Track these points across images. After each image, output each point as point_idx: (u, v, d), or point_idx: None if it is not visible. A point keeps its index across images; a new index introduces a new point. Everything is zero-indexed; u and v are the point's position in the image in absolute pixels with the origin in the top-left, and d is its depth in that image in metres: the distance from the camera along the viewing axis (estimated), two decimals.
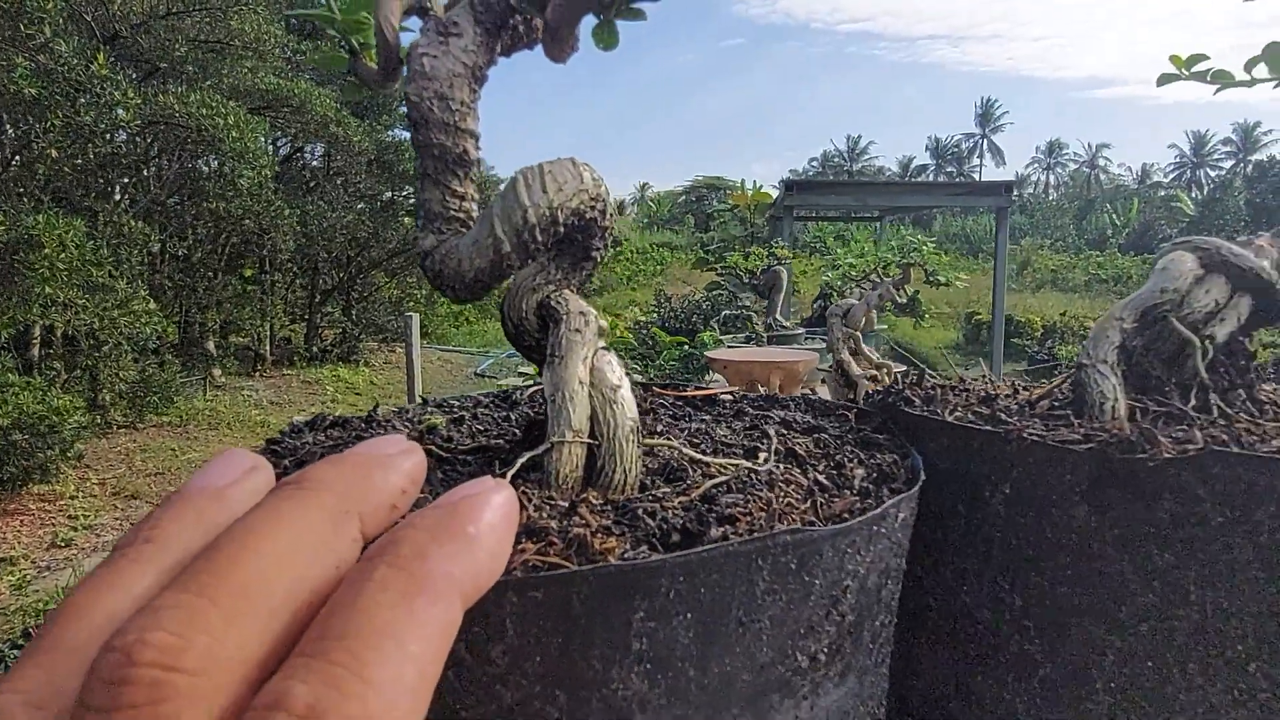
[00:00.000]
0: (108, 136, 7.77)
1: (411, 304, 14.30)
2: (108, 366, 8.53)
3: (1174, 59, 0.64)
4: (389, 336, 14.48)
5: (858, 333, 1.31)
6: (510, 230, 0.38)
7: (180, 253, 10.12)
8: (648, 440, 0.41)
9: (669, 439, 0.43)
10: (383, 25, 0.41)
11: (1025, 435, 0.40)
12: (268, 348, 12.95)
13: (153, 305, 8.37)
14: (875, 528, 0.35)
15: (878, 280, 1.36)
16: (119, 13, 7.61)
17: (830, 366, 1.44)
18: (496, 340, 15.67)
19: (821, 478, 0.41)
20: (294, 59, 9.99)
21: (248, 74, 9.10)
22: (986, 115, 77.78)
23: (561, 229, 0.39)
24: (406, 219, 14.24)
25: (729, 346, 1.90)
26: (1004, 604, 0.42)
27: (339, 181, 12.71)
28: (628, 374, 0.41)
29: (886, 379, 1.25)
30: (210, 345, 11.49)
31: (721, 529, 0.33)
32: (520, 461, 0.37)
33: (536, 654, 0.29)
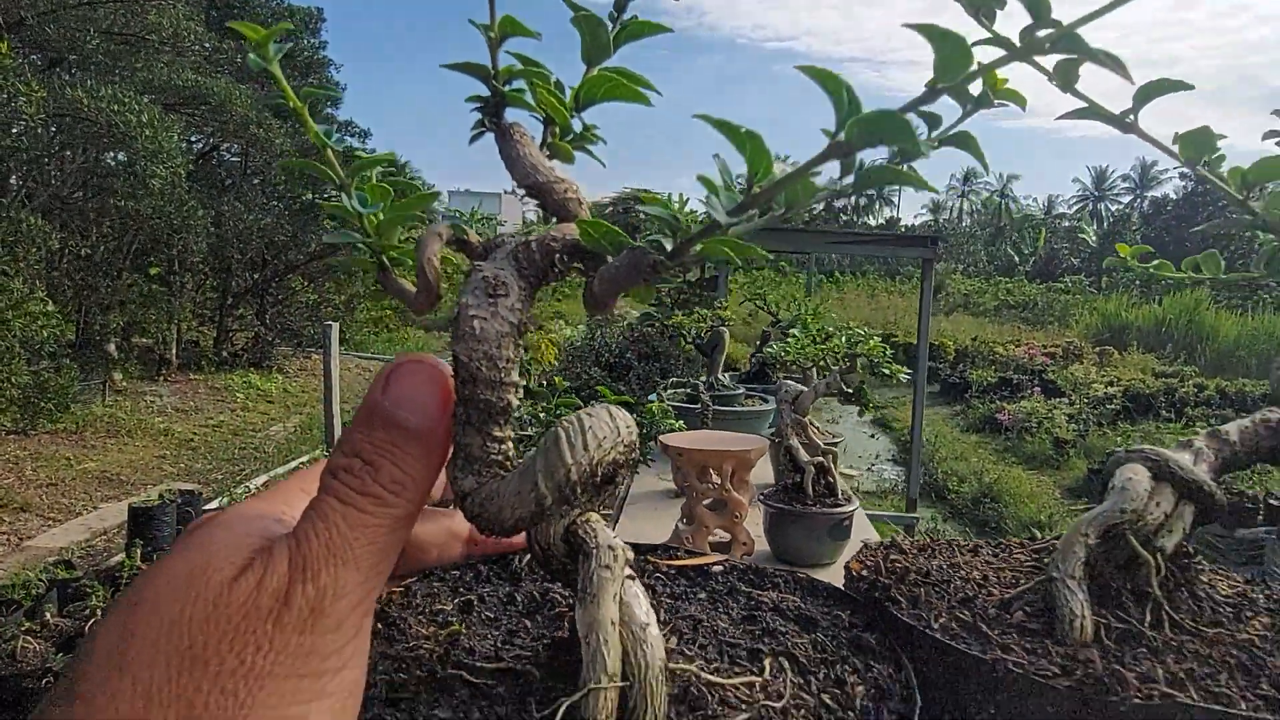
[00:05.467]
0: (5, 127, 7.32)
1: (329, 310, 13.91)
2: None
3: (1120, 248, 0.70)
4: (304, 342, 14.03)
5: (806, 419, 1.37)
6: (553, 486, 0.40)
7: (83, 251, 9.59)
8: (670, 666, 0.44)
9: (686, 657, 0.46)
10: (425, 267, 0.43)
11: (1010, 666, 0.44)
12: (173, 351, 12.37)
13: (51, 306, 7.92)
14: None
15: (828, 369, 1.43)
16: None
17: (776, 443, 1.49)
18: (417, 348, 15.37)
19: (827, 699, 0.44)
20: (213, 56, 9.62)
21: (163, 69, 8.71)
22: None
23: (599, 480, 0.41)
24: (328, 222, 13.80)
25: (674, 407, 1.93)
26: None
27: (256, 182, 12.28)
28: (652, 607, 0.43)
29: (833, 464, 1.31)
30: (111, 348, 10.90)
31: None
32: (561, 711, 0.39)
33: None
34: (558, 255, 0.42)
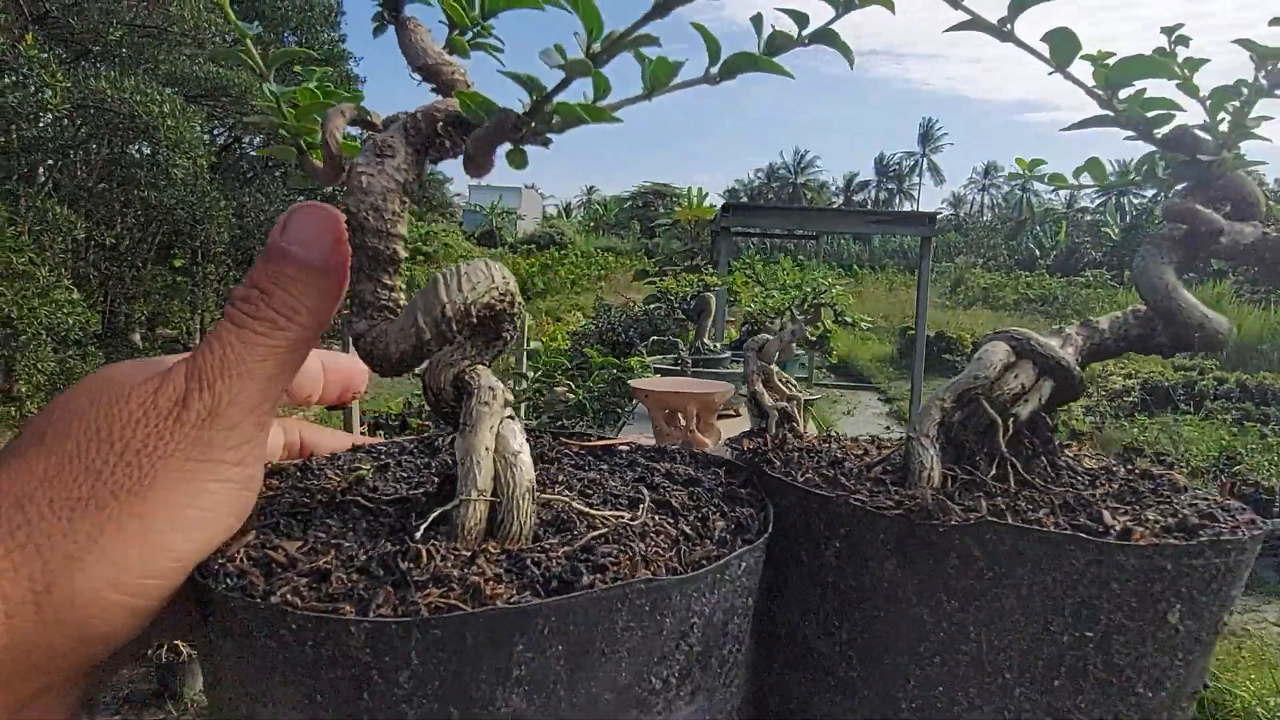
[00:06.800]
0: (33, 118, 7.50)
1: (348, 303, 14.06)
2: (25, 357, 8.19)
3: (1019, 161, 0.75)
4: (324, 334, 14.20)
5: (771, 366, 1.41)
6: (430, 322, 0.45)
7: (108, 241, 9.78)
8: (544, 495, 0.49)
9: (563, 493, 0.51)
10: (328, 139, 0.48)
11: (851, 500, 0.49)
12: (197, 341, 12.58)
13: (76, 295, 8.10)
14: (720, 575, 0.44)
15: (793, 317, 1.46)
16: None
17: (747, 395, 1.54)
18: None
19: (688, 529, 0.50)
20: (234, 48, 9.76)
21: (185, 61, 8.87)
22: (927, 135, 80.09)
23: (474, 320, 0.47)
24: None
25: (657, 370, 1.98)
26: (834, 637, 0.51)
27: (278, 174, 12.45)
28: (527, 439, 0.49)
29: (797, 411, 1.35)
30: (136, 337, 11.15)
31: (592, 577, 0.41)
32: (432, 516, 0.44)
33: (436, 679, 0.36)
34: (440, 124, 0.47)
